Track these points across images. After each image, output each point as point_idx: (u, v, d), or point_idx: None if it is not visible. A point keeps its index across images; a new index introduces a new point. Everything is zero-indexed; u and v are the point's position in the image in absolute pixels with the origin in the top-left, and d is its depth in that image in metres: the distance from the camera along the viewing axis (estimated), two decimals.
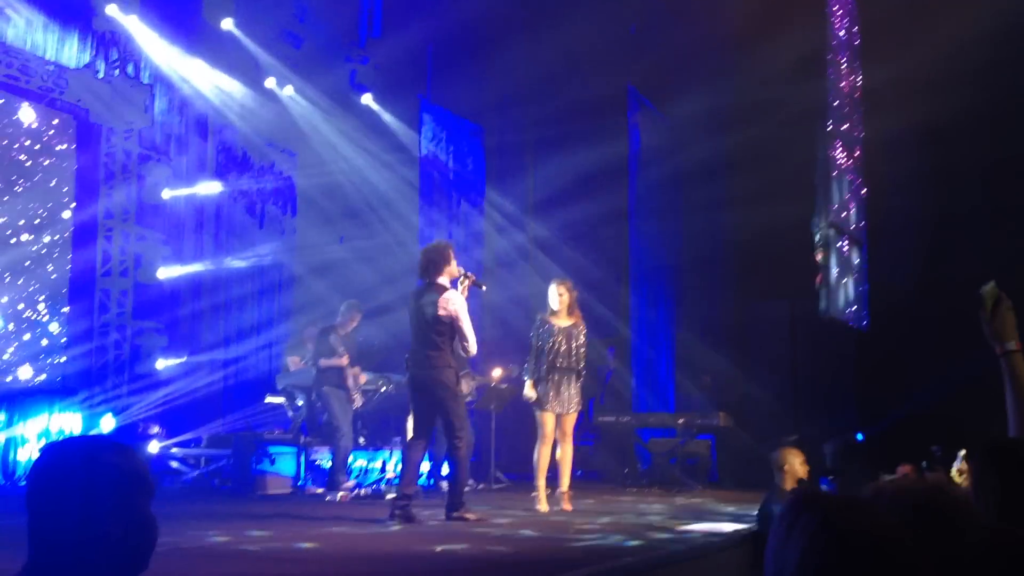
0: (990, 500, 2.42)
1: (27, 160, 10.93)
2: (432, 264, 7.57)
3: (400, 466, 7.63)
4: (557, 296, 8.65)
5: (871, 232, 14.87)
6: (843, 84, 14.41)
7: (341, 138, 13.54)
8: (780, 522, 1.62)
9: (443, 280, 7.55)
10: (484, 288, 8.23)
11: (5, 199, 10.66)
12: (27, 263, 10.75)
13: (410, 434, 9.68)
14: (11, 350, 10.71)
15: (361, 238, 13.69)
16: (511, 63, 13.08)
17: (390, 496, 9.81)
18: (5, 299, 10.52)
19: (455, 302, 7.43)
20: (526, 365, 8.75)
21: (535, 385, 8.56)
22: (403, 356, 7.77)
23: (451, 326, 7.41)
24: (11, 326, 10.59)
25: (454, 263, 7.66)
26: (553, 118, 14.10)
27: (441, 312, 7.38)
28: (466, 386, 11.05)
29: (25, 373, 10.74)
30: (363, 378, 10.49)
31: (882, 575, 1.52)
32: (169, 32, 11.54)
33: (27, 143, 10.91)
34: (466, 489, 7.59)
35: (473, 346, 7.49)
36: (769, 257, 13.49)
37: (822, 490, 1.79)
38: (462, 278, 7.73)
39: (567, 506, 8.38)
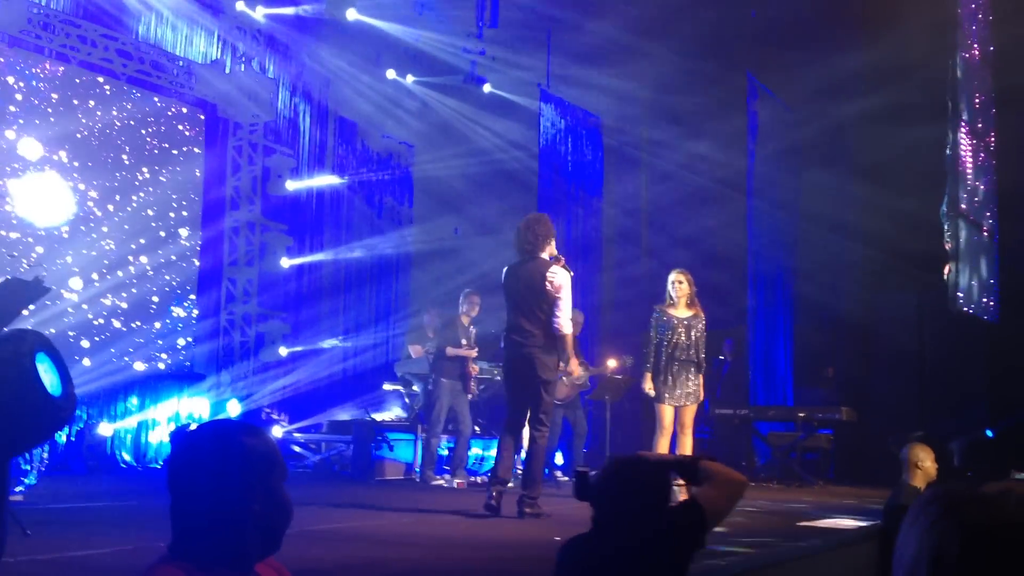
0: None
1: (170, 148, 11.33)
2: (538, 238, 7.08)
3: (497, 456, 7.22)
4: (677, 285, 8.52)
5: (1003, 221, 14.29)
6: (973, 61, 13.85)
7: (459, 129, 13.65)
8: (908, 513, 1.58)
9: (544, 256, 7.11)
10: (571, 274, 7.42)
11: (150, 189, 11.06)
12: (162, 252, 11.14)
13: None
14: (136, 329, 11.11)
15: (479, 228, 13.78)
16: (630, 52, 12.96)
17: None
18: (153, 295, 10.91)
19: (561, 276, 6.99)
20: (644, 357, 8.65)
21: (653, 378, 8.46)
22: None
23: (554, 303, 6.95)
24: (132, 312, 10.97)
25: (554, 241, 7.22)
26: (672, 107, 13.93)
27: (548, 286, 6.94)
28: (579, 373, 11.01)
29: (152, 361, 11.13)
30: (475, 368, 10.48)
31: (1000, 570, 1.46)
32: (294, 27, 11.79)
33: (159, 134, 11.29)
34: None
35: (565, 324, 6.95)
36: (895, 246, 13.07)
37: (954, 486, 1.71)
38: (555, 261, 7.20)
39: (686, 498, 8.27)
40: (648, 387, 8.46)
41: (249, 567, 2.03)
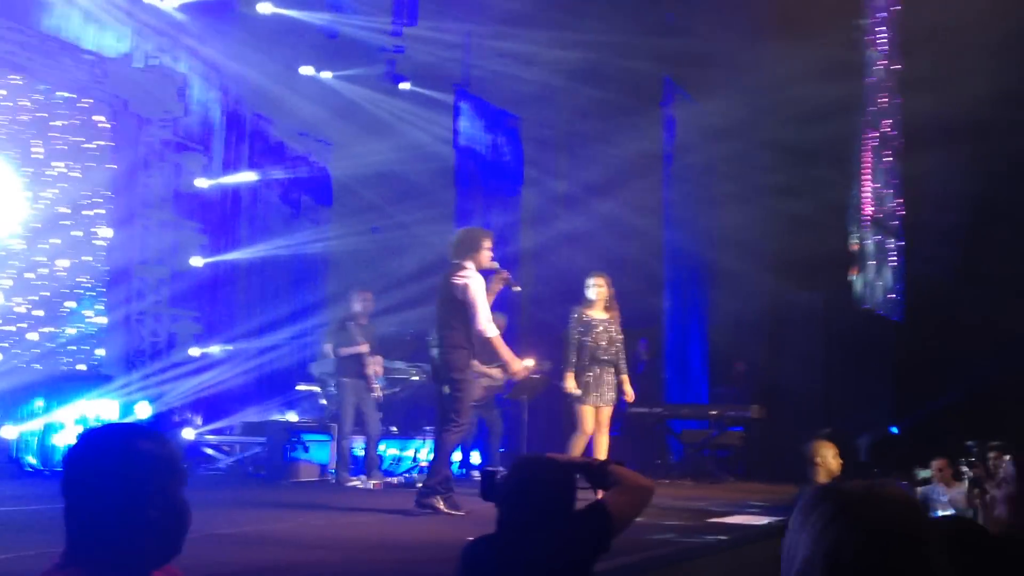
0: None
1: (82, 143, 11.06)
2: (461, 246, 7.37)
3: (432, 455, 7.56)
4: (596, 288, 8.64)
5: (907, 224, 14.73)
6: (881, 77, 14.25)
7: (377, 127, 13.54)
8: (798, 512, 1.60)
9: (469, 264, 7.31)
10: (517, 289, 7.94)
11: (64, 185, 10.79)
12: (69, 250, 10.88)
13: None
14: (45, 332, 10.84)
15: (396, 227, 13.72)
16: (548, 53, 13.03)
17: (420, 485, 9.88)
18: (49, 292, 10.65)
19: (468, 279, 7.17)
20: (565, 358, 8.70)
21: (575, 378, 8.53)
22: None
23: (463, 305, 7.16)
24: (40, 311, 10.72)
25: (485, 252, 7.39)
26: (590, 109, 14.05)
27: (455, 291, 7.18)
28: (498, 374, 11.04)
29: (60, 362, 10.87)
30: (380, 370, 10.46)
31: (898, 570, 1.49)
32: (206, 21, 11.59)
33: (69, 129, 11.02)
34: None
35: (485, 327, 7.14)
36: (804, 248, 13.38)
37: (845, 483, 1.74)
38: (496, 275, 7.47)
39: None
40: (572, 386, 8.52)
41: (145, 573, 2.01)
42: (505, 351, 7.39)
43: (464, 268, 7.26)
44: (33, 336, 10.55)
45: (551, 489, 3.09)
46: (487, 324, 7.16)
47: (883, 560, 1.48)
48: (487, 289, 7.41)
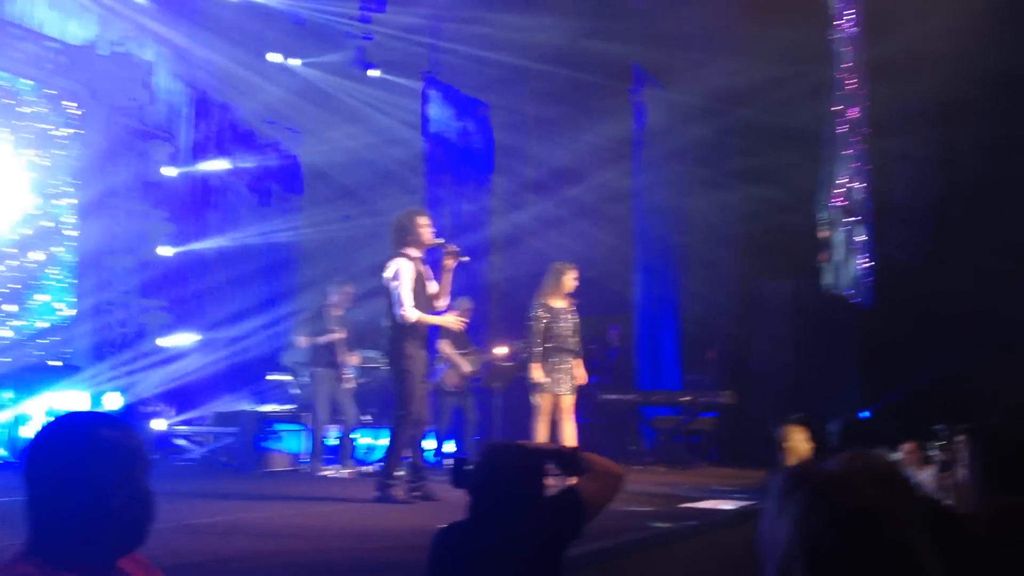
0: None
1: (49, 131, 10.93)
2: (397, 235, 7.35)
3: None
4: (573, 281, 8.73)
5: (876, 209, 14.80)
6: (849, 61, 14.31)
7: (346, 116, 13.47)
8: (774, 498, 1.58)
9: (410, 251, 7.29)
10: (466, 259, 7.80)
11: (33, 174, 10.66)
12: (39, 241, 10.76)
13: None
14: (15, 326, 10.72)
15: (367, 216, 13.66)
16: (517, 39, 12.99)
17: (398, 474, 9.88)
18: (27, 287, 10.53)
19: (394, 268, 7.18)
20: (531, 347, 8.71)
21: (542, 367, 8.58)
22: None
23: (392, 294, 7.18)
24: (14, 307, 10.60)
25: (424, 231, 7.34)
26: (559, 95, 14.02)
27: (385, 281, 7.23)
28: (469, 365, 11.03)
29: (33, 351, 10.76)
30: (355, 359, 10.47)
31: (877, 554, 1.48)
32: (172, 8, 11.48)
33: (36, 117, 10.88)
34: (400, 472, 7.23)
35: (406, 312, 7.09)
36: (774, 234, 13.41)
37: (818, 465, 1.74)
38: (446, 252, 7.41)
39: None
40: (540, 376, 8.55)
41: (109, 562, 1.98)
42: (435, 320, 7.46)
43: (393, 258, 7.23)
44: (6, 332, 10.44)
45: (521, 476, 3.09)
46: (408, 310, 7.12)
47: (862, 549, 1.47)
48: (441, 266, 7.39)
